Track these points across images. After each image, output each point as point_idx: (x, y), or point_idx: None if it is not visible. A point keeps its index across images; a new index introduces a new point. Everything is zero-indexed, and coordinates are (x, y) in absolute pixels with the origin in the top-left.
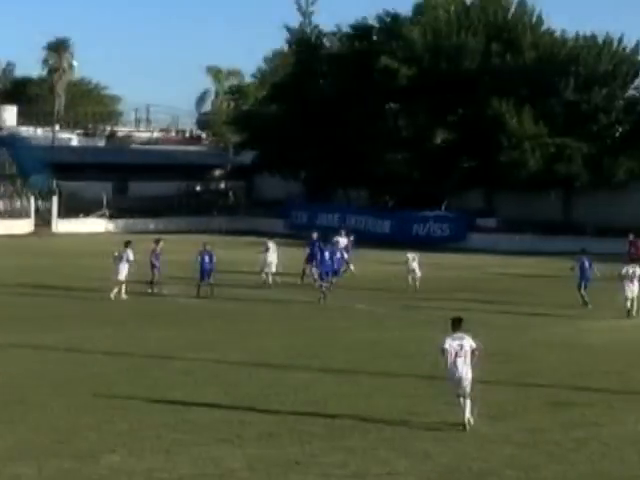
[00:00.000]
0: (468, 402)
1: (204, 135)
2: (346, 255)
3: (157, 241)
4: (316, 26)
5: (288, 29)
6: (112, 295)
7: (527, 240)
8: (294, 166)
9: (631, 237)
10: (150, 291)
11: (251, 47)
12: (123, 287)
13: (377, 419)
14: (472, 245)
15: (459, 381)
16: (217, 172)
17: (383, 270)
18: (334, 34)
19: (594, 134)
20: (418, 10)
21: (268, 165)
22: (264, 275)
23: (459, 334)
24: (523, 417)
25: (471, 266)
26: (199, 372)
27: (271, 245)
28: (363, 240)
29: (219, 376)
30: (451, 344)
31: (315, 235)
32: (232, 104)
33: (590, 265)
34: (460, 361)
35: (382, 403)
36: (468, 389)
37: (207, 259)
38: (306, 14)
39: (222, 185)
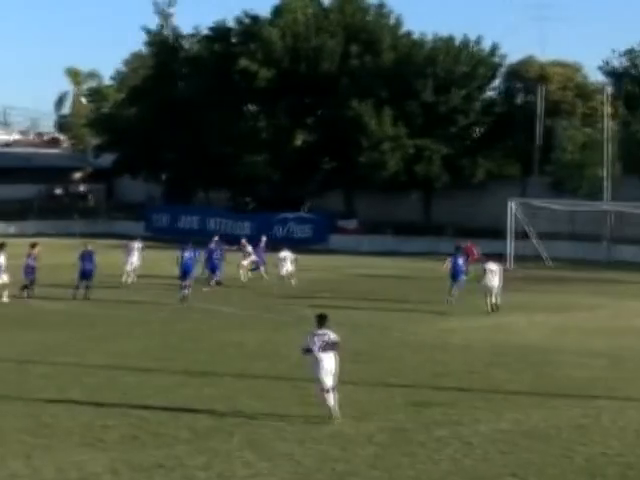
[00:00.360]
0: (335, 395)
1: (63, 138)
2: (255, 257)
3: (33, 245)
4: (175, 28)
5: (147, 31)
6: (5, 299)
7: (388, 241)
8: (154, 168)
9: (463, 244)
10: (21, 296)
11: (110, 49)
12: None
13: (240, 421)
14: (333, 246)
15: (326, 375)
16: (77, 175)
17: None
18: (193, 36)
19: (453, 135)
20: (277, 12)
21: (128, 168)
22: (126, 277)
23: (323, 330)
24: (386, 417)
25: (333, 267)
26: (60, 376)
27: (136, 246)
28: (224, 242)
29: (81, 380)
30: (317, 340)
31: (216, 238)
32: (91, 106)
33: (464, 263)
34: (326, 356)
35: (245, 405)
36: (335, 382)
37: (88, 259)
38: (165, 16)
39: (82, 188)
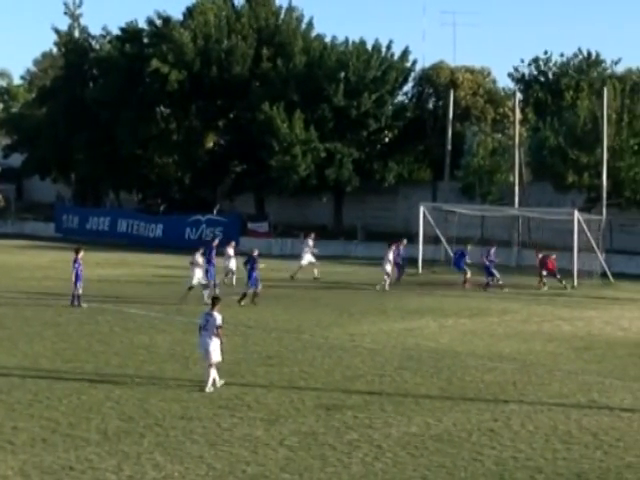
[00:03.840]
0: (212, 370)
1: None
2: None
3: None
4: (84, 28)
5: (57, 31)
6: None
7: (298, 244)
8: (64, 169)
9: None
10: None
11: (20, 48)
12: None
13: (151, 424)
14: (245, 249)
15: (206, 352)
16: None
17: (157, 273)
18: (103, 37)
19: (364, 139)
20: (189, 13)
21: (38, 168)
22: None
23: (210, 312)
24: (297, 420)
25: (243, 270)
26: None
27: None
28: (135, 244)
29: None
30: (200, 319)
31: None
32: (0, 106)
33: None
34: (204, 334)
35: (156, 408)
36: (213, 359)
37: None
38: (74, 16)
39: None
